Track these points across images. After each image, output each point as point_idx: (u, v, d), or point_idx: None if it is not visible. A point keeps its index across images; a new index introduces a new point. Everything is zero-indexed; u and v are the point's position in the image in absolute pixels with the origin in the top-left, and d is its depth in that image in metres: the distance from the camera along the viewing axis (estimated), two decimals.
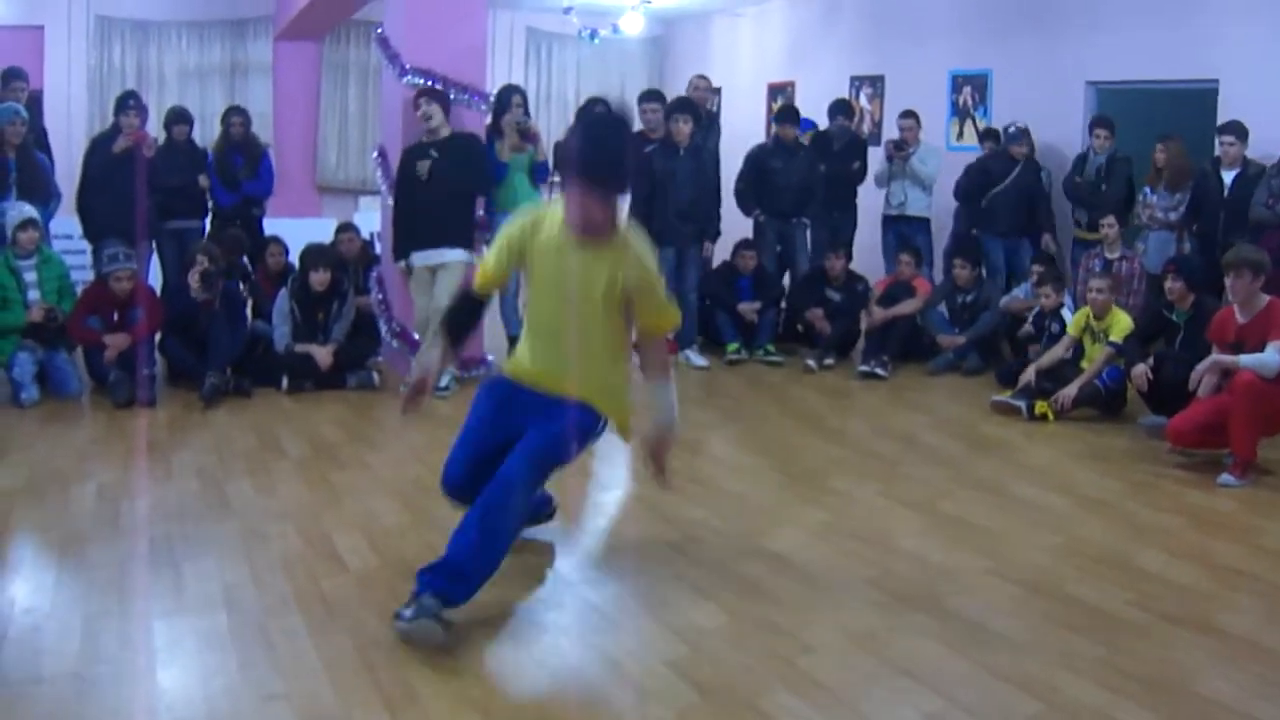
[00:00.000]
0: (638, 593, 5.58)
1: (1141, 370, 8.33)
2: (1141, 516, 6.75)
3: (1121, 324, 8.84)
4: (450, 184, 9.23)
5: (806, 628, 5.15)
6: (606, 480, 7.60)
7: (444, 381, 9.30)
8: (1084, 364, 9.04)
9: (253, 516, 6.50)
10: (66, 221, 11.24)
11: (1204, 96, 10.48)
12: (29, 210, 9.35)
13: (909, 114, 11.82)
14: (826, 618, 5.26)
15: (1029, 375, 9.10)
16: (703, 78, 12.08)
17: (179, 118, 10.89)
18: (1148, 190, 10.36)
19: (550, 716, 4.39)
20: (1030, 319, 9.95)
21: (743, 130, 13.34)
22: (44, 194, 10.08)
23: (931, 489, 7.24)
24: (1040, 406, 8.86)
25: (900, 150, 11.63)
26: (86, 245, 10.66)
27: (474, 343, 9.99)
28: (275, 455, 7.72)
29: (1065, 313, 9.68)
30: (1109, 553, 6.13)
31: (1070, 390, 8.81)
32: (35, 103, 11.46)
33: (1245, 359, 7.34)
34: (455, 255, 9.25)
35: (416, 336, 9.56)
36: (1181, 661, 4.84)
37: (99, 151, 10.22)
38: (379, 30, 10.13)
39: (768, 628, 5.14)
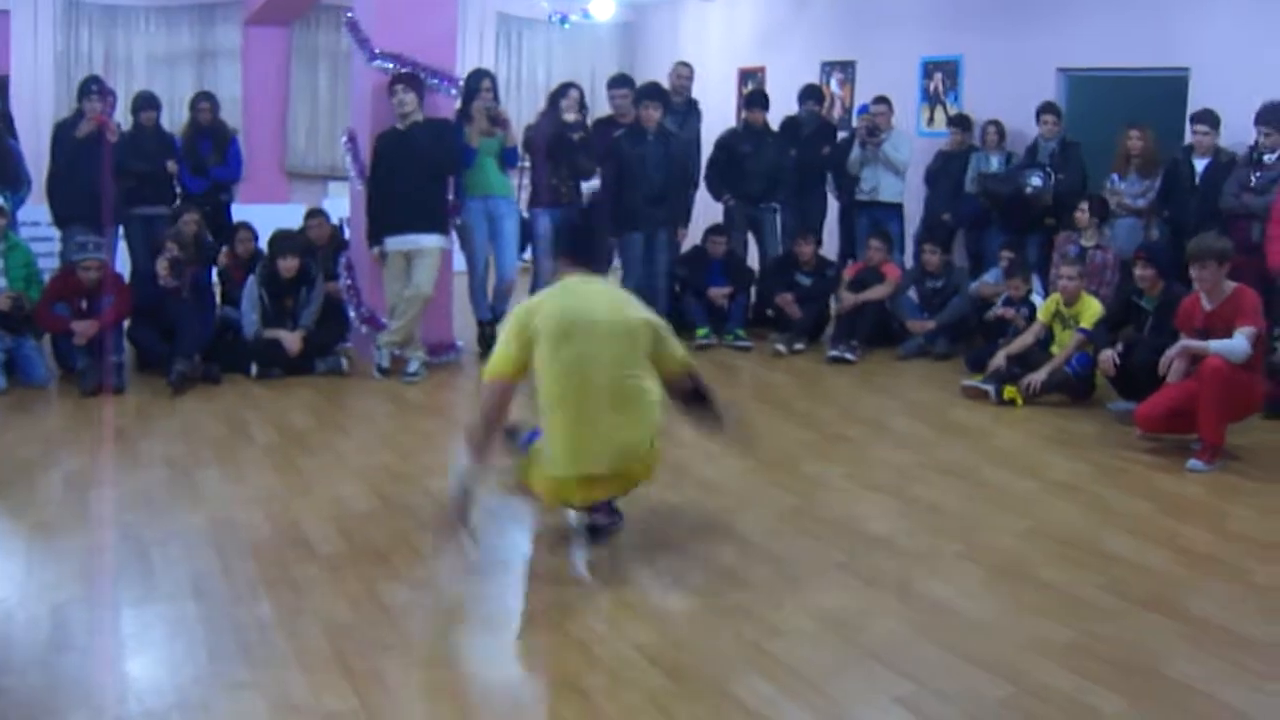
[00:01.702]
0: (607, 578, 5.58)
1: (1109, 356, 8.36)
2: (1111, 501, 6.77)
3: (1091, 310, 8.86)
4: (423, 168, 9.21)
5: (776, 612, 5.16)
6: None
7: (413, 368, 9.29)
8: (1053, 350, 9.06)
9: (222, 504, 6.47)
10: (34, 209, 11.18)
11: (1174, 84, 10.50)
12: None
13: (882, 99, 11.80)
14: (796, 602, 5.27)
15: (998, 360, 9.11)
16: (685, 65, 12.08)
17: (147, 103, 10.81)
18: (1115, 177, 10.35)
19: (521, 701, 4.39)
20: (999, 303, 9.95)
21: (713, 115, 13.30)
22: (13, 181, 10.02)
23: (901, 473, 7.25)
24: (1009, 392, 8.88)
25: (873, 136, 11.62)
26: (54, 232, 10.60)
27: (443, 327, 9.99)
28: (244, 442, 7.70)
29: (1035, 298, 9.71)
30: (1078, 537, 6.15)
31: (1039, 375, 8.83)
32: (1, 88, 11.38)
33: (1214, 344, 7.36)
34: (430, 241, 9.25)
35: (385, 321, 9.53)
36: (1151, 645, 4.87)
37: (63, 137, 10.14)
38: (349, 15, 10.08)
39: (738, 612, 5.15)
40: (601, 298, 5.72)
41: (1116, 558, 5.86)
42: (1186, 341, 7.61)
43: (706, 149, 11.80)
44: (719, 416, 6.09)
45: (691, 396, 6.00)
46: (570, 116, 10.19)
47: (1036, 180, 10.49)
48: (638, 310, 5.79)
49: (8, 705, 4.25)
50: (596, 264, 5.98)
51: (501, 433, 5.76)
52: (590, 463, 5.59)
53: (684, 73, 11.95)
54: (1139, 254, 8.64)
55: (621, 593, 5.37)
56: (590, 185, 10.37)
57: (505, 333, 5.63)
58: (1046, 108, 10.89)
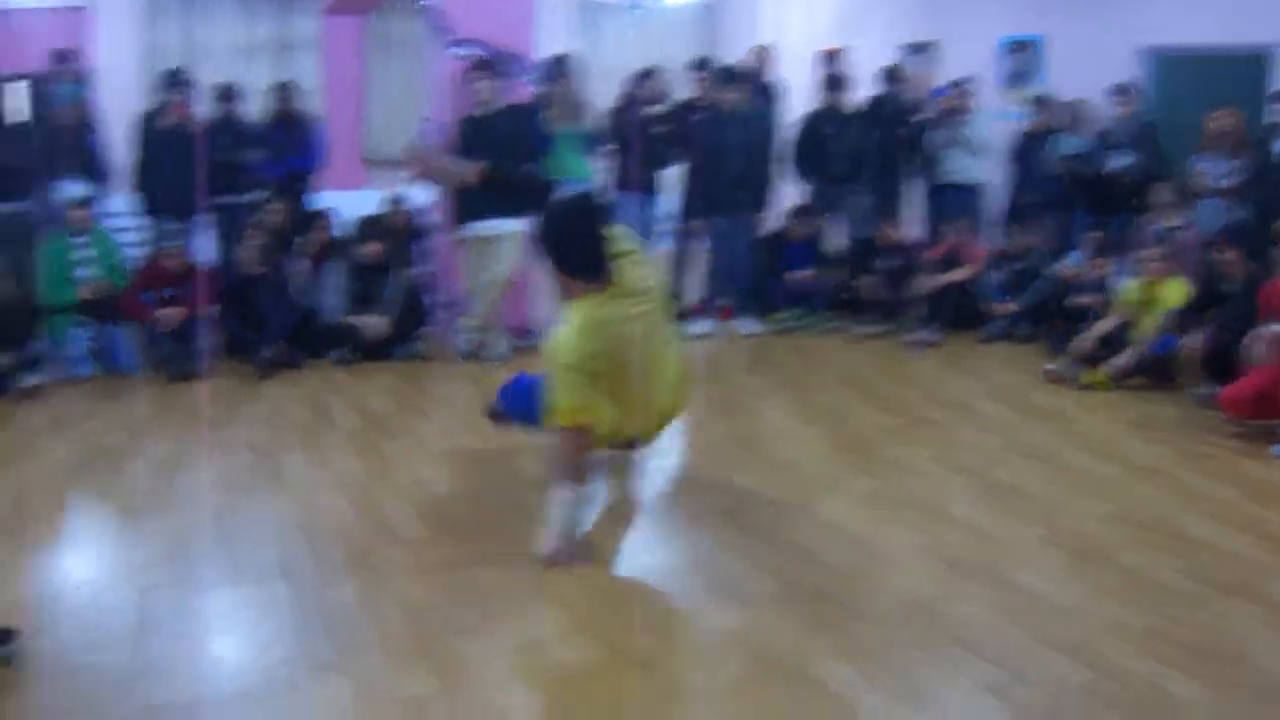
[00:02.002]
0: (690, 560, 5.59)
1: (1191, 341, 8.25)
2: (1194, 485, 6.68)
3: (1176, 293, 8.74)
4: (503, 154, 9.22)
5: (858, 596, 5.14)
6: (658, 448, 7.60)
7: (494, 352, 9.33)
8: (1137, 333, 8.95)
9: (306, 488, 6.53)
10: (119, 199, 11.31)
11: (1256, 63, 10.34)
12: (83, 189, 9.43)
13: (964, 80, 11.71)
14: (878, 586, 5.25)
15: (1081, 344, 9.02)
16: (765, 47, 12.03)
17: (227, 94, 10.91)
18: (1200, 158, 10.21)
19: (600, 684, 4.39)
20: (1083, 286, 9.84)
21: (793, 98, 13.21)
22: (97, 172, 10.15)
23: (983, 456, 7.20)
24: (1092, 375, 8.79)
25: (954, 117, 11.52)
26: (139, 222, 10.73)
27: (523, 311, 10.01)
28: (327, 427, 7.76)
29: (1118, 281, 9.58)
30: (1161, 521, 6.07)
31: (1122, 359, 8.73)
32: (87, 82, 11.50)
33: None
34: (512, 226, 9.25)
35: (466, 306, 9.57)
36: (1233, 632, 4.80)
37: (148, 128, 10.27)
38: (426, 2, 10.12)
39: (819, 595, 5.14)
40: (622, 321, 5.60)
41: (1199, 543, 5.78)
42: (1272, 325, 7.50)
43: (787, 131, 11.74)
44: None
45: None
46: (652, 110, 10.18)
47: (1122, 161, 10.36)
48: (655, 287, 5.95)
49: (97, 684, 4.31)
50: (605, 275, 5.63)
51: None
52: (637, 427, 5.94)
53: (764, 55, 11.91)
54: (1220, 237, 8.53)
55: (702, 575, 5.37)
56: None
57: (567, 382, 5.49)
58: (1120, 88, 10.76)
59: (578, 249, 5.53)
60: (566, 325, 5.50)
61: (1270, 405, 7.42)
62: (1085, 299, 9.68)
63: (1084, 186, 10.75)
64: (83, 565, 5.56)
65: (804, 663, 4.51)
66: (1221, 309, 8.37)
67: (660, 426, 6.27)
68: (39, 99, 10.62)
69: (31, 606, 5.00)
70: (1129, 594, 5.16)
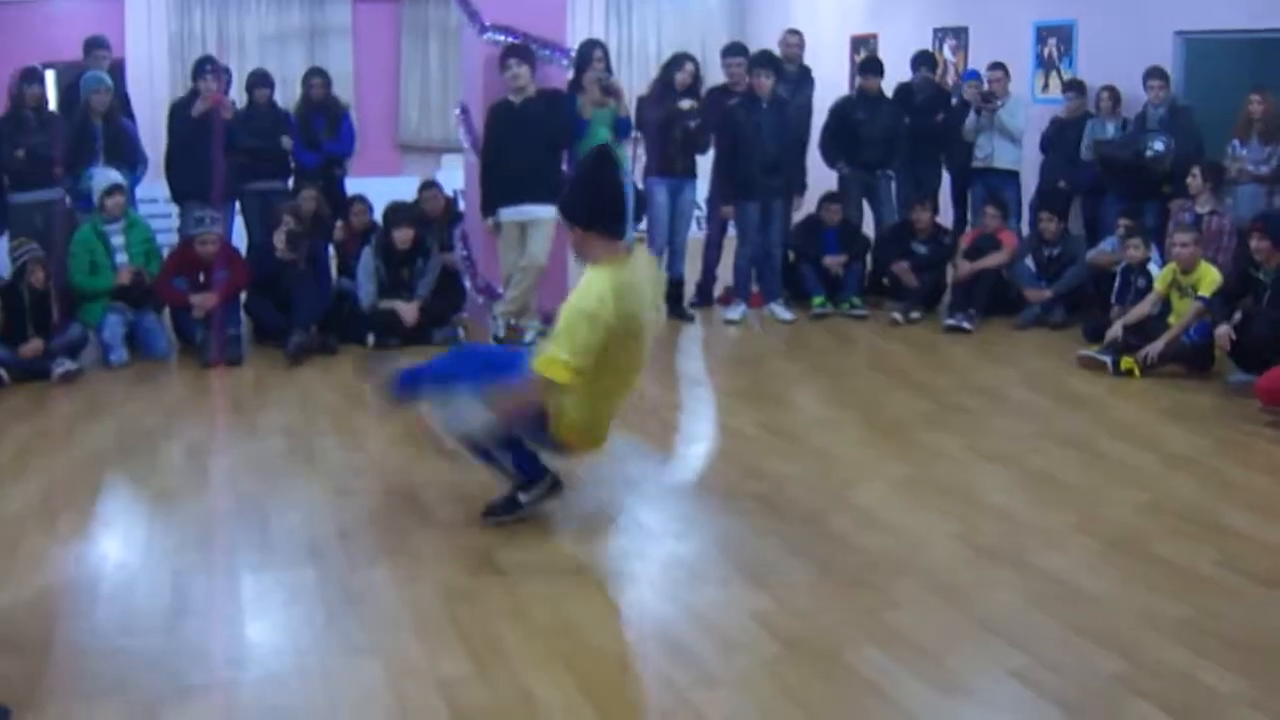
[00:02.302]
0: (723, 546, 5.57)
1: (1225, 331, 8.19)
2: (1230, 475, 6.62)
3: (1209, 279, 8.65)
4: (538, 140, 9.24)
5: (892, 582, 5.12)
6: (692, 434, 7.60)
7: (529, 337, 9.33)
8: (1171, 320, 8.88)
9: (339, 472, 6.55)
10: (152, 186, 11.36)
11: None
12: (115, 176, 9.46)
13: (997, 65, 11.65)
14: (912, 572, 5.23)
15: (1116, 331, 8.96)
16: (794, 33, 11.96)
17: (260, 81, 10.93)
18: (1236, 143, 10.13)
19: (635, 668, 4.39)
20: (1117, 273, 9.77)
21: (825, 83, 13.18)
22: (130, 160, 10.19)
23: (1018, 444, 7.16)
24: (1126, 362, 8.72)
25: (989, 103, 11.47)
26: (172, 209, 10.77)
27: (558, 296, 9.99)
28: (361, 411, 7.75)
29: (1152, 267, 9.50)
30: (1196, 511, 6.02)
31: (1157, 346, 8.65)
32: (118, 71, 11.56)
33: None
34: (545, 212, 9.22)
35: (500, 291, 9.58)
36: (1270, 624, 4.75)
37: (179, 116, 10.30)
38: None
39: (853, 581, 5.12)
40: (644, 290, 5.50)
41: (1236, 533, 5.72)
42: None
43: (819, 116, 11.71)
44: None
45: None
46: (685, 104, 10.15)
47: (1158, 145, 10.28)
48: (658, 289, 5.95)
49: (130, 667, 4.33)
50: (624, 228, 5.57)
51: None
52: (605, 426, 5.73)
53: (794, 40, 11.85)
54: (1255, 225, 8.45)
55: (736, 560, 5.36)
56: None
57: (578, 330, 5.15)
58: (1153, 73, 10.67)
59: (600, 198, 5.38)
60: (597, 281, 5.24)
61: None
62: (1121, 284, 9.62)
63: (1118, 172, 10.67)
64: (118, 549, 5.59)
65: (837, 648, 4.50)
66: (1255, 296, 8.31)
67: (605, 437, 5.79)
68: (70, 87, 10.69)
69: (68, 590, 5.03)
70: (1164, 584, 5.11)
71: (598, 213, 5.35)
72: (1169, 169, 10.25)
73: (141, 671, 4.30)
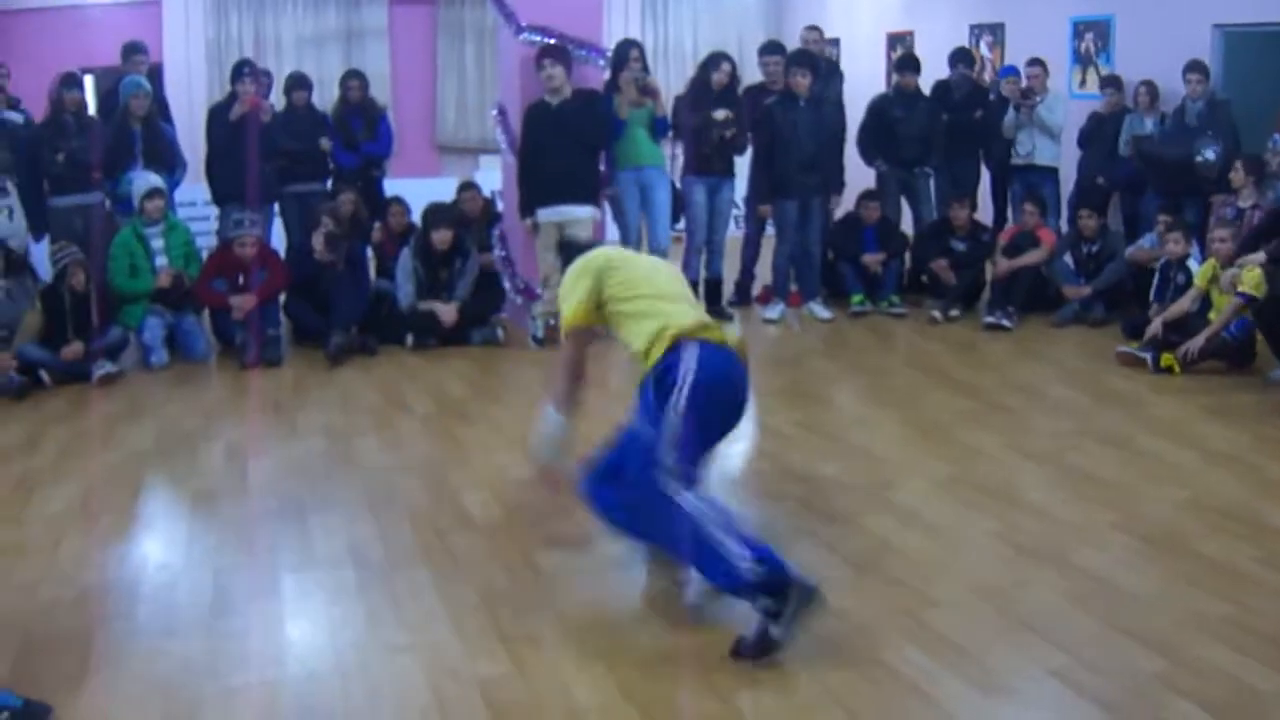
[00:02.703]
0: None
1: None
2: (1271, 472, 6.54)
3: (1250, 274, 8.59)
4: (575, 141, 9.24)
5: (931, 581, 5.10)
6: (732, 433, 7.58)
7: None
8: (1211, 316, 8.82)
9: (379, 472, 6.57)
10: (191, 189, 11.42)
11: None
12: (155, 179, 9.51)
13: (1036, 61, 11.58)
14: (951, 571, 5.22)
15: (1155, 327, 8.89)
16: (813, 29, 11.94)
17: (298, 84, 10.97)
18: (1277, 136, 10.05)
19: (674, 666, 4.38)
20: (1157, 269, 9.70)
21: (862, 81, 13.16)
22: (169, 163, 10.24)
23: (1057, 441, 7.13)
24: (1166, 359, 8.65)
25: (1028, 99, 11.42)
26: (212, 211, 10.83)
27: None
28: (401, 412, 7.79)
29: (1191, 263, 9.43)
30: (1237, 509, 5.96)
31: (1197, 342, 8.57)
32: (156, 75, 11.63)
33: None
34: (583, 212, 9.27)
35: (539, 291, 9.59)
36: None
37: (217, 120, 10.34)
38: None
39: (892, 581, 5.11)
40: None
41: (1276, 530, 5.67)
42: None
43: (854, 113, 11.68)
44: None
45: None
46: (719, 114, 10.10)
47: (1210, 154, 10.18)
48: None
49: (172, 668, 4.35)
50: None
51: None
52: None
53: (813, 36, 11.83)
54: None
55: None
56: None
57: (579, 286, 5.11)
58: (1192, 66, 10.58)
59: None
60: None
61: None
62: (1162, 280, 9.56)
63: (1158, 169, 10.60)
64: (159, 549, 5.63)
65: (877, 647, 4.49)
66: None
67: None
68: (109, 92, 10.76)
69: (109, 590, 5.06)
70: (1205, 582, 5.07)
71: None
72: (1215, 176, 10.16)
73: (182, 672, 4.33)
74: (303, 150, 10.66)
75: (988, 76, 13.68)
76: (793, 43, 12.07)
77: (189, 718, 4.04)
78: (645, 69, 10.00)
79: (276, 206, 10.78)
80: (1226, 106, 10.49)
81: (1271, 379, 8.20)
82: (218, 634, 4.63)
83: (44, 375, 8.38)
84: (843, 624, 4.67)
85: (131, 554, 5.56)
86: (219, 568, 5.27)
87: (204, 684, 4.24)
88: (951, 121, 11.57)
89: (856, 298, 10.79)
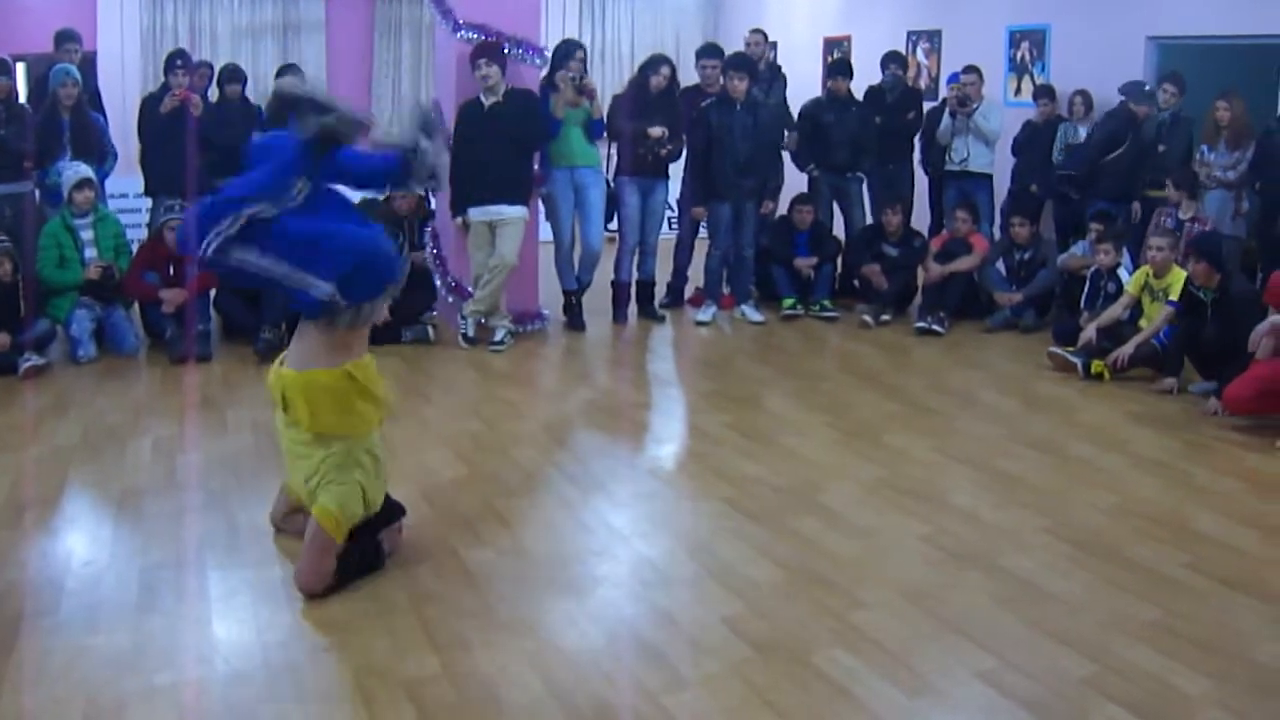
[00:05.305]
0: (692, 547, 5.57)
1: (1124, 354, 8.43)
2: (1199, 478, 6.65)
3: (1181, 283, 8.68)
4: (507, 140, 9.22)
5: (860, 584, 5.13)
6: (662, 435, 7.60)
7: (499, 336, 9.33)
8: (1142, 323, 8.91)
9: None
10: (122, 180, 11.30)
11: (1267, 53, 10.28)
12: (85, 170, 9.40)
13: (972, 69, 11.65)
14: (880, 574, 5.25)
15: (1089, 334, 8.97)
16: (757, 32, 11.97)
17: (231, 76, 10.86)
18: (1205, 149, 10.17)
19: (602, 669, 4.39)
20: (1088, 277, 9.78)
21: (798, 85, 13.20)
22: (98, 153, 10.13)
23: (987, 446, 7.18)
24: (1097, 366, 8.73)
25: (964, 106, 11.49)
26: (143, 203, 10.73)
27: (528, 296, 10.01)
28: None
29: (1122, 272, 9.52)
30: (1165, 514, 6.04)
31: (1127, 349, 8.68)
32: (89, 64, 11.49)
33: None
34: (514, 212, 9.27)
35: (471, 290, 9.56)
36: (1238, 627, 4.77)
37: (150, 111, 10.24)
38: None
39: (821, 583, 5.13)
40: None
41: (1204, 536, 5.75)
42: (1276, 318, 7.46)
43: (793, 115, 11.72)
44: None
45: None
46: (655, 131, 10.09)
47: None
48: None
49: (96, 664, 4.31)
50: None
51: None
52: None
53: (757, 39, 11.86)
54: (1189, 249, 8.51)
55: (705, 562, 5.36)
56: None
57: None
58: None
59: None
60: None
61: (1275, 400, 7.38)
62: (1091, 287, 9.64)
63: (1073, 182, 10.72)
64: (85, 546, 5.55)
65: (805, 650, 4.50)
66: (1198, 315, 8.28)
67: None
68: (40, 80, 10.64)
69: (33, 587, 5.01)
70: (1133, 587, 5.13)
71: None
72: (1126, 172, 10.31)
73: (106, 669, 4.28)
74: (236, 144, 10.56)
75: (923, 83, 13.78)
76: (730, 45, 12.09)
77: (112, 716, 3.99)
78: (585, 69, 9.99)
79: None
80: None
81: (1195, 391, 8.26)
82: (143, 631, 4.59)
83: None
84: (771, 625, 4.70)
85: (56, 550, 5.49)
86: (145, 565, 5.22)
87: (128, 682, 4.20)
88: (884, 125, 11.62)
89: (788, 301, 10.83)
